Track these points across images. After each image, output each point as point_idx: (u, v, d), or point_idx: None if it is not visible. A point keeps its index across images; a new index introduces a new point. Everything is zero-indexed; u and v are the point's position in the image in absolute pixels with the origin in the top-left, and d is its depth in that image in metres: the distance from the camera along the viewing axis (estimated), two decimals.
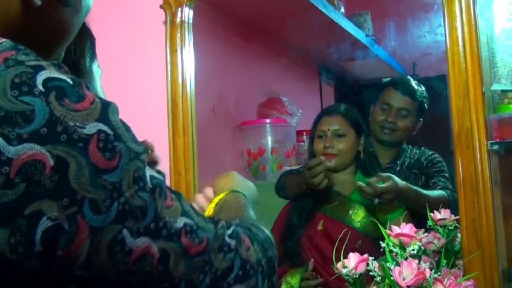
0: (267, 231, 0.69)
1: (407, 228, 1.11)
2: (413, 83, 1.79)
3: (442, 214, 1.25)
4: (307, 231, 1.57)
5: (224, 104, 2.34)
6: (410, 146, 1.81)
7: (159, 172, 0.58)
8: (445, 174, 1.68)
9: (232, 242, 0.60)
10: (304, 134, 2.49)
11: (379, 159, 1.75)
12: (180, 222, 0.56)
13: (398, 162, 1.78)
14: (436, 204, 1.49)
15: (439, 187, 1.62)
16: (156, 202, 0.54)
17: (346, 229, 1.44)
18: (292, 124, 2.28)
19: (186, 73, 1.60)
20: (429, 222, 1.26)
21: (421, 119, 1.79)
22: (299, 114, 2.29)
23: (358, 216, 1.51)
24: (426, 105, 1.79)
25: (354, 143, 1.58)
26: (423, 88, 1.79)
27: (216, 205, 0.83)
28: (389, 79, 1.90)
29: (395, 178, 1.46)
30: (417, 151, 1.79)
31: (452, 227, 1.24)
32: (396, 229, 1.12)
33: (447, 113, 1.54)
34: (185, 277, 0.55)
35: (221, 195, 0.84)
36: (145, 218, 0.53)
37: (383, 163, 1.75)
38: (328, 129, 1.58)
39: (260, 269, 0.62)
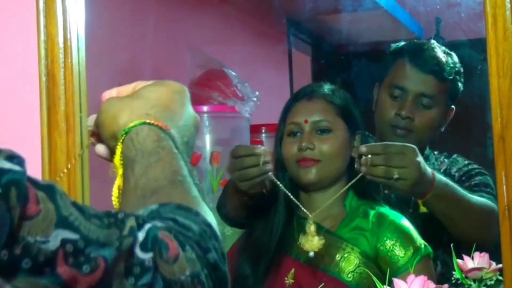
0: (204, 214, 0.70)
1: (417, 283, 1.11)
2: (440, 51, 1.79)
3: (476, 261, 1.26)
4: (269, 286, 1.56)
5: (135, 80, 2.30)
6: (435, 153, 1.83)
7: (11, 156, 0.57)
8: (491, 191, 1.66)
9: (147, 256, 0.60)
10: (264, 130, 2.48)
11: None
12: (55, 239, 0.56)
13: None
14: (480, 219, 1.50)
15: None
16: (12, 212, 0.54)
17: (331, 283, 1.44)
18: (243, 115, 2.27)
19: (72, 30, 1.57)
20: (456, 274, 1.27)
21: (453, 107, 1.81)
22: (255, 99, 2.28)
23: (349, 263, 1.51)
24: (461, 84, 1.80)
25: (345, 144, 1.59)
26: (455, 58, 1.80)
27: (120, 159, 0.79)
28: (400, 44, 1.88)
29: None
30: (446, 160, 1.81)
31: (493, 282, 1.25)
32: (400, 285, 1.12)
33: (483, 100, 1.55)
34: None
35: (120, 139, 0.79)
36: None
37: None
38: (306, 121, 1.58)
39: None
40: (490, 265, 1.29)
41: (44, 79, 1.57)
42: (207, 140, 2.24)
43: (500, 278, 1.28)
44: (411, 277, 1.15)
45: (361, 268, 1.50)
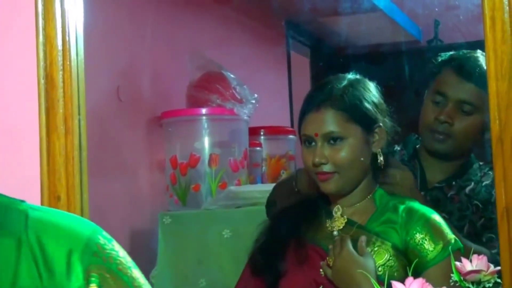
0: None
1: (416, 285, 1.11)
2: (484, 61, 1.83)
3: (474, 263, 1.26)
4: (306, 276, 1.56)
5: (135, 82, 2.29)
6: (481, 164, 1.85)
7: None
8: None
9: None
10: (262, 132, 2.47)
11: (426, 173, 1.83)
12: None
13: (454, 182, 1.82)
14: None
15: (493, 250, 1.64)
16: None
17: None
18: (242, 117, 2.27)
19: (70, 31, 1.57)
20: (455, 276, 1.27)
21: None
22: (253, 101, 2.28)
23: (380, 257, 1.52)
24: None
25: (362, 145, 1.57)
26: None
27: None
28: (448, 54, 1.91)
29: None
30: (491, 173, 1.80)
31: (491, 284, 1.25)
32: (397, 286, 1.12)
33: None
34: None
35: None
36: None
37: (430, 180, 1.83)
38: (316, 134, 1.58)
39: None
40: (488, 267, 1.28)
41: (42, 81, 1.57)
42: (206, 143, 2.24)
43: (499, 280, 1.28)
44: (409, 279, 1.14)
45: (391, 262, 1.51)
